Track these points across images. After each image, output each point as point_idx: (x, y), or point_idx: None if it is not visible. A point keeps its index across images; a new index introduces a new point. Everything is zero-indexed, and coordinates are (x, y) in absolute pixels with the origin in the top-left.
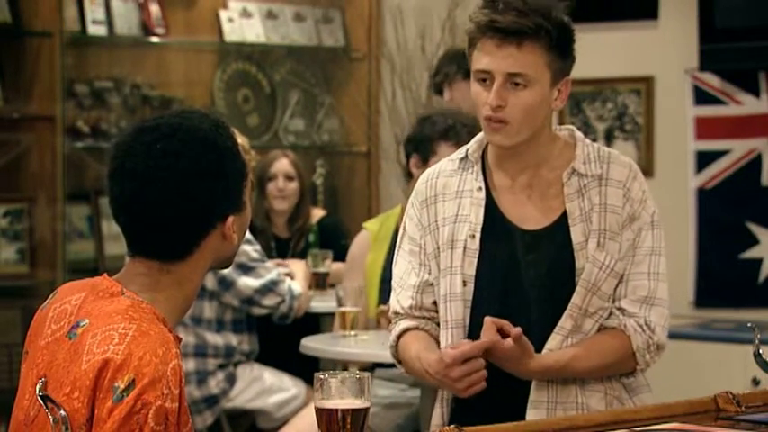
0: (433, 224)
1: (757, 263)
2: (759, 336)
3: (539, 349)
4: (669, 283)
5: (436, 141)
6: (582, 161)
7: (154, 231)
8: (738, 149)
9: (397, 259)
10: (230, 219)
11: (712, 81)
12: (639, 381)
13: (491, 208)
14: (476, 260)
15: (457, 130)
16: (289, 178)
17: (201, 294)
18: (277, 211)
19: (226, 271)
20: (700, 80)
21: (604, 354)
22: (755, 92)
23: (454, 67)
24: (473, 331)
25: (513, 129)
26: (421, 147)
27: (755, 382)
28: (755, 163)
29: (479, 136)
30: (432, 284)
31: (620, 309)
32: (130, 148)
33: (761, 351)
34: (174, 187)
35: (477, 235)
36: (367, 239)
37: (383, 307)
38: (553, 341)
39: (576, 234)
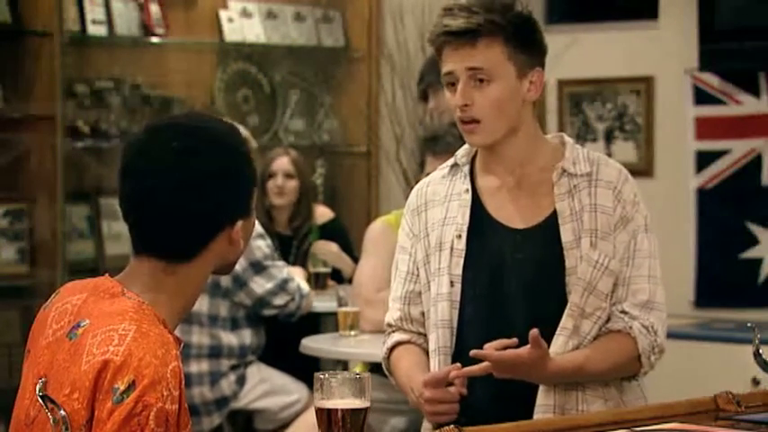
0: (423, 231)
1: (757, 263)
2: (759, 336)
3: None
4: (669, 284)
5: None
6: (571, 162)
7: (163, 230)
8: (738, 149)
9: (393, 272)
10: (239, 223)
11: (712, 81)
12: (636, 393)
13: (478, 209)
14: (462, 260)
15: (446, 140)
16: (288, 176)
17: (216, 292)
18: (277, 207)
19: (240, 268)
20: (700, 80)
21: (614, 355)
22: (755, 92)
23: (434, 75)
24: (460, 331)
25: (486, 125)
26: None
27: (755, 382)
28: (755, 163)
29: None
30: (420, 294)
31: (623, 312)
32: (145, 145)
33: (761, 351)
34: (188, 186)
35: (464, 235)
36: (385, 227)
37: None
38: (556, 343)
39: (565, 233)
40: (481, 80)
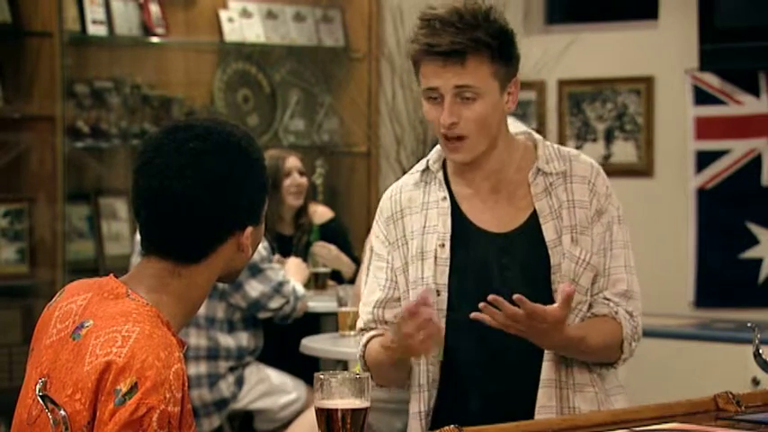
0: (401, 239)
1: (757, 263)
2: (759, 336)
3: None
4: (669, 284)
5: None
6: (545, 161)
7: (174, 229)
8: (738, 149)
9: (365, 278)
10: (249, 229)
11: (712, 81)
12: (613, 382)
13: (457, 216)
14: (447, 269)
15: None
16: (301, 173)
17: (213, 294)
18: (290, 207)
19: None
20: (700, 80)
21: (606, 334)
22: (755, 92)
23: None
24: (447, 338)
25: (471, 142)
26: None
27: (755, 382)
28: (755, 163)
29: (438, 146)
30: (398, 300)
31: (606, 299)
32: (162, 144)
33: (761, 351)
34: (203, 186)
35: (447, 244)
36: None
37: None
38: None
39: (548, 231)
40: (467, 97)
